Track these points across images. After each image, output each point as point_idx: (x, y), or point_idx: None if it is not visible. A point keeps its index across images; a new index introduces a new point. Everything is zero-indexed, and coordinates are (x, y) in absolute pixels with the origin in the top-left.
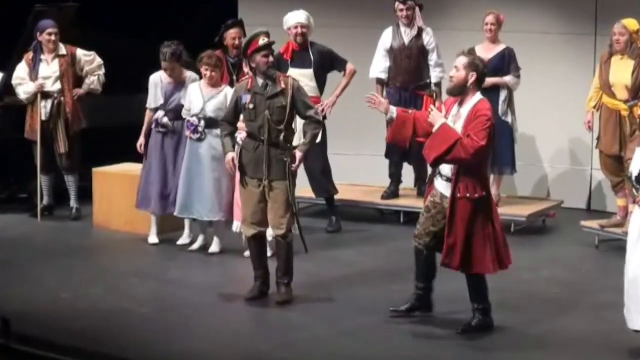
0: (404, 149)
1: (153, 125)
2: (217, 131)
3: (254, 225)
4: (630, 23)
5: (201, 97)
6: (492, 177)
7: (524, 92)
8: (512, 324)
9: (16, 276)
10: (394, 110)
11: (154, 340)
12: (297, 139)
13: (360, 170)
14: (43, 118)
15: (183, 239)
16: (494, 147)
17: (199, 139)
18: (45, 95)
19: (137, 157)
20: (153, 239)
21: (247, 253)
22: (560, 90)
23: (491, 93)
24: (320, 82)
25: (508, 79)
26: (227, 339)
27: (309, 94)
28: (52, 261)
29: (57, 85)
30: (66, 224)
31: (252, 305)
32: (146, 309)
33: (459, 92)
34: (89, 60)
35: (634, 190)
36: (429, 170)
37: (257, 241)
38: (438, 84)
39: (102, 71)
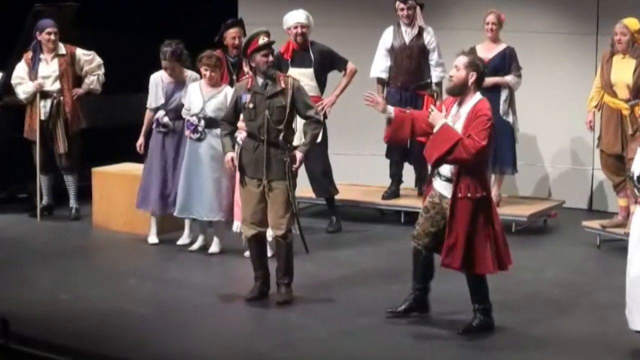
0: (404, 148)
1: (154, 126)
2: (217, 131)
3: (254, 226)
4: (632, 23)
5: (201, 96)
6: (493, 177)
7: (525, 91)
8: (513, 324)
9: (15, 276)
10: (391, 110)
11: (153, 341)
12: (298, 139)
13: (360, 170)
14: (42, 118)
15: (183, 240)
16: (495, 147)
17: (199, 139)
18: (45, 95)
19: (136, 157)
20: (153, 239)
21: (247, 253)
22: (562, 90)
23: (492, 93)
24: (321, 82)
25: (509, 78)
26: (227, 340)
27: (310, 94)
28: (52, 262)
29: (57, 85)
30: (66, 224)
31: (252, 305)
32: (146, 309)
33: (459, 92)
34: (89, 60)
35: (635, 191)
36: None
37: (257, 241)
38: (439, 84)
39: (101, 71)
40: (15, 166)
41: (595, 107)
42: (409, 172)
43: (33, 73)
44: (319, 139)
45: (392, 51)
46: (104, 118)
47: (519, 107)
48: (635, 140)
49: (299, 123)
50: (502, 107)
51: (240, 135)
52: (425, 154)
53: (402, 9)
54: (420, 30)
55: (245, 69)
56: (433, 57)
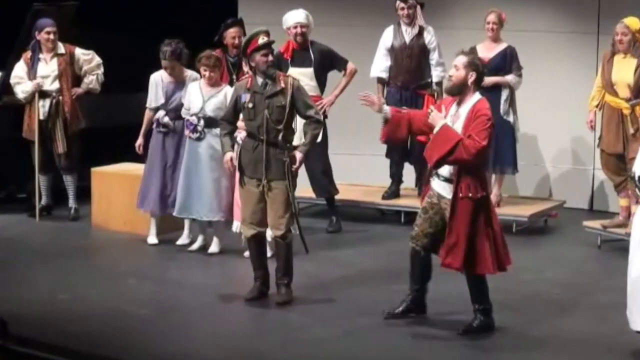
0: (404, 148)
1: (154, 126)
2: (217, 131)
3: (254, 226)
4: (633, 22)
5: (201, 96)
6: (494, 177)
7: (526, 91)
8: (513, 324)
9: (14, 277)
10: (387, 110)
11: (153, 342)
12: (298, 139)
13: (360, 170)
14: (41, 118)
15: (183, 240)
16: (496, 147)
17: (199, 139)
18: (44, 94)
19: (136, 157)
20: (152, 239)
21: (246, 253)
22: (563, 90)
23: (493, 92)
24: (321, 82)
25: (510, 78)
26: (227, 340)
27: (310, 94)
28: (51, 262)
29: (56, 85)
30: (65, 224)
31: (252, 306)
32: (145, 310)
33: (459, 91)
34: (88, 59)
35: (637, 191)
36: None
37: (257, 241)
38: (439, 84)
39: (101, 70)
40: (14, 166)
41: (596, 106)
42: (409, 172)
43: (32, 72)
44: (319, 139)
45: (392, 51)
46: (103, 118)
47: (519, 106)
48: (636, 140)
49: (298, 123)
50: (503, 106)
51: (240, 135)
52: (426, 155)
53: (403, 9)
54: (421, 30)
55: (245, 68)
56: (433, 57)
